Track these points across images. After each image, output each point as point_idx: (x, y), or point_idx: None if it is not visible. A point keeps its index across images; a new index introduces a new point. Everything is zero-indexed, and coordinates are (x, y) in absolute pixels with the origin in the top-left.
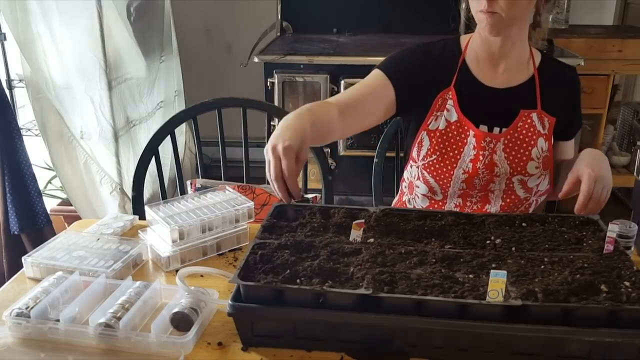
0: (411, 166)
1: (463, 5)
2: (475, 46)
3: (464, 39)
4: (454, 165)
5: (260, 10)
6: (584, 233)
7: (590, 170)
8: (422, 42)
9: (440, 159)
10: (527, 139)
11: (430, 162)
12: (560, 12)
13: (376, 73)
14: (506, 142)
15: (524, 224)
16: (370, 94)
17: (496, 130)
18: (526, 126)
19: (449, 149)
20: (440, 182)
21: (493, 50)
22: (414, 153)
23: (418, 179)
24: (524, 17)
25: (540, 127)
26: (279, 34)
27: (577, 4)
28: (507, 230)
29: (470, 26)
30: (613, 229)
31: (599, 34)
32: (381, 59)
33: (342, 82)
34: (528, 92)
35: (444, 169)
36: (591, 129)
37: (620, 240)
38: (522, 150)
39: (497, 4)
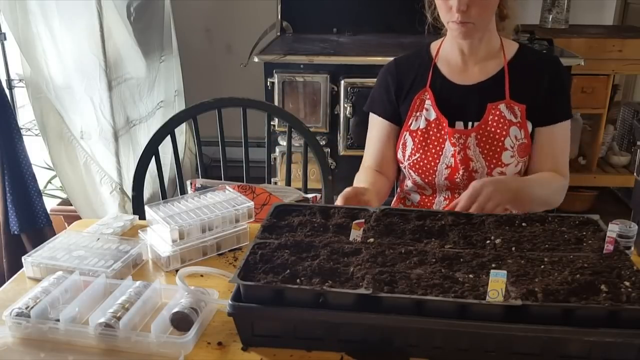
0: (399, 168)
1: (428, 10)
2: (446, 50)
3: (434, 45)
4: (437, 160)
5: (260, 10)
6: (584, 233)
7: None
8: (388, 63)
9: (423, 156)
10: (498, 130)
11: (415, 161)
12: (560, 12)
13: (372, 118)
14: (478, 136)
15: (524, 224)
16: (384, 140)
17: (470, 125)
18: (496, 118)
19: (430, 146)
20: (426, 180)
21: (463, 50)
22: (399, 154)
23: (407, 178)
24: (492, 17)
25: (512, 117)
26: (279, 33)
27: (577, 4)
28: (507, 230)
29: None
30: (613, 229)
31: (599, 34)
32: (381, 58)
33: (342, 82)
34: (497, 84)
35: (428, 166)
36: (591, 129)
37: (620, 240)
38: (495, 142)
39: (469, 15)
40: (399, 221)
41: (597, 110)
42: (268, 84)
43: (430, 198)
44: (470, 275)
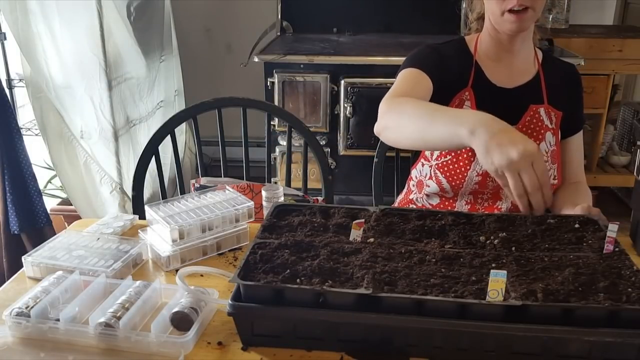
0: (422, 165)
1: (470, 7)
2: (485, 47)
3: (469, 39)
4: (468, 167)
5: (260, 10)
6: (584, 233)
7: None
8: (428, 44)
9: (454, 159)
10: (534, 134)
11: (445, 162)
12: (560, 12)
13: (411, 71)
14: None
15: (523, 224)
16: (421, 85)
17: None
18: (534, 121)
19: (463, 150)
20: (453, 183)
21: (504, 50)
22: (427, 152)
23: (429, 178)
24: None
25: (548, 122)
26: (279, 33)
27: (577, 4)
28: (507, 230)
29: (471, 27)
30: (613, 229)
31: (599, 34)
32: (381, 58)
33: (342, 81)
34: (535, 88)
35: (458, 170)
36: (591, 129)
37: None
38: None
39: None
40: (399, 221)
41: (597, 110)
42: (268, 84)
43: (451, 201)
44: (473, 278)
